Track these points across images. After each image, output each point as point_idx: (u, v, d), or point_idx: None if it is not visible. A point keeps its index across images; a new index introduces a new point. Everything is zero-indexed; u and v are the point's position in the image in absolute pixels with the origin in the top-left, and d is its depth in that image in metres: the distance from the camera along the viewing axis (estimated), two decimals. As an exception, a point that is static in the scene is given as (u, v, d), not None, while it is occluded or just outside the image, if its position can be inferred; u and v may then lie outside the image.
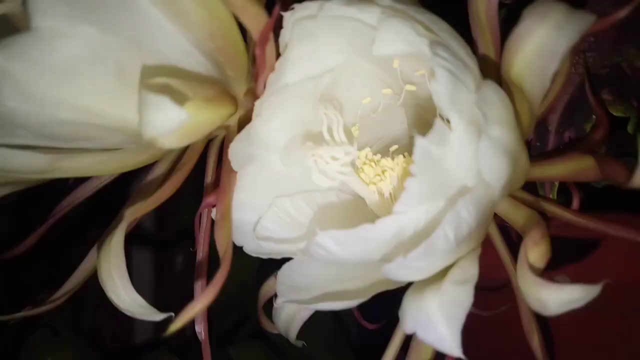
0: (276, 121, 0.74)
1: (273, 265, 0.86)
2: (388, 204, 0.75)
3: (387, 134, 0.82)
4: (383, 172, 0.74)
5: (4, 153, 0.60)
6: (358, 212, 0.79)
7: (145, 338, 1.65)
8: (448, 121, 0.62)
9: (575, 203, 0.80)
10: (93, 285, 0.70)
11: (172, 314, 0.61)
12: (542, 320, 0.71)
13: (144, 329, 1.65)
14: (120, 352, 1.58)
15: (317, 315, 0.83)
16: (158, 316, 0.62)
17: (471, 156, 0.61)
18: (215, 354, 0.77)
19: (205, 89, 0.65)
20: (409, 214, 0.62)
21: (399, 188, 0.74)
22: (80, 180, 0.86)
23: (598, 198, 0.85)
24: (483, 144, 0.58)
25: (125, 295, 0.61)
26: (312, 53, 0.71)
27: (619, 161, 0.65)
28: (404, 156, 0.75)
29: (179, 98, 0.56)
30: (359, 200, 0.78)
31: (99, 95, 0.58)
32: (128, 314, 0.62)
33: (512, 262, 0.71)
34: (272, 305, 0.80)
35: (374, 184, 0.74)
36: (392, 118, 0.81)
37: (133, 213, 0.66)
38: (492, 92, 0.61)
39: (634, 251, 0.80)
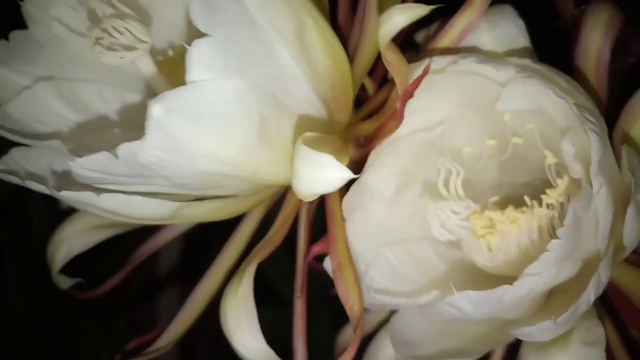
0: (386, 170, 0.73)
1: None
2: (495, 258, 0.73)
3: (482, 183, 0.81)
4: (492, 225, 0.73)
5: (137, 201, 0.59)
6: (456, 262, 0.77)
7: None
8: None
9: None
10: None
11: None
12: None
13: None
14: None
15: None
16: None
17: (610, 219, 0.60)
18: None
19: (334, 140, 0.64)
20: (544, 275, 0.61)
21: (509, 243, 0.72)
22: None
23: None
24: (631, 210, 0.57)
25: (255, 347, 0.60)
26: (427, 105, 0.71)
27: None
28: (514, 209, 0.73)
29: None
30: (453, 249, 0.77)
31: (243, 147, 0.56)
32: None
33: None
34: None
35: (483, 237, 0.73)
36: (488, 167, 0.81)
37: (258, 256, 0.65)
38: (635, 159, 0.60)
39: None
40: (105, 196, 0.57)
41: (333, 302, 0.95)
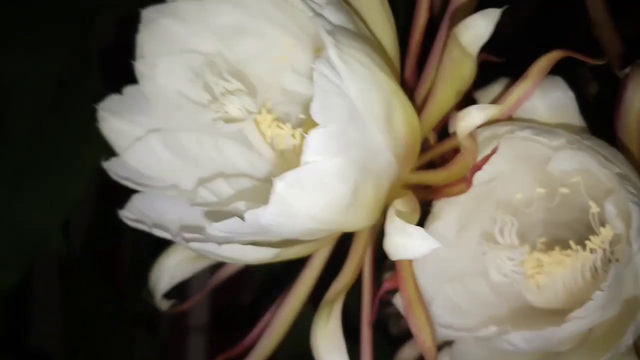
0: (448, 217, 0.85)
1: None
2: (543, 295, 0.84)
3: (533, 224, 0.92)
4: (540, 265, 0.84)
5: (249, 249, 0.71)
6: (508, 295, 0.89)
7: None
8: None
9: None
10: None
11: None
12: None
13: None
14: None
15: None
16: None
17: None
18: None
19: (412, 199, 0.75)
20: (588, 318, 0.72)
21: (555, 283, 0.83)
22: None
23: None
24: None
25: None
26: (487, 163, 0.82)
27: None
28: (559, 250, 0.84)
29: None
30: (506, 284, 0.88)
31: (339, 209, 0.69)
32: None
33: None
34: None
35: (532, 277, 0.84)
36: (538, 210, 0.91)
37: (342, 290, 0.77)
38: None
39: None
40: (225, 246, 0.69)
41: (388, 321, 1.07)
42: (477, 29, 0.72)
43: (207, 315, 2.04)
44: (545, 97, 0.82)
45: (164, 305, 0.90)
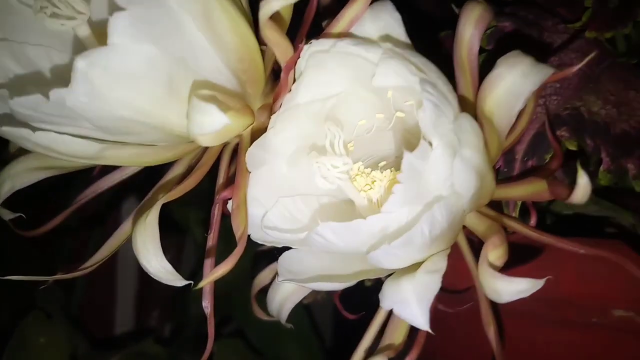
0: (286, 133, 0.91)
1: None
2: (375, 208, 0.91)
3: (377, 152, 1.00)
4: (372, 182, 0.91)
5: (67, 139, 0.76)
6: (347, 214, 0.96)
7: (127, 329, 1.79)
8: (430, 143, 0.80)
9: (533, 221, 0.98)
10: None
11: (192, 282, 0.78)
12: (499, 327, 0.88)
13: (126, 320, 1.79)
14: (105, 340, 1.71)
15: (295, 319, 1.01)
16: (182, 282, 0.78)
17: (447, 171, 0.78)
18: (197, 350, 0.93)
19: (234, 101, 0.82)
20: (394, 214, 0.79)
21: (386, 196, 0.90)
22: (104, 172, 1.02)
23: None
24: (457, 161, 0.77)
25: (156, 263, 0.77)
26: (321, 80, 0.89)
27: (566, 184, 0.83)
28: (391, 171, 0.92)
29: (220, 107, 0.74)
30: (348, 205, 0.95)
31: (152, 99, 0.74)
32: (156, 278, 0.78)
33: (476, 266, 0.88)
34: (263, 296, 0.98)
35: (365, 191, 0.91)
36: (382, 139, 0.99)
37: (165, 198, 0.83)
38: (467, 122, 0.79)
39: (583, 271, 0.98)
40: (39, 133, 0.74)
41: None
42: None
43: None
44: (375, 21, 0.89)
45: (5, 215, 0.93)
